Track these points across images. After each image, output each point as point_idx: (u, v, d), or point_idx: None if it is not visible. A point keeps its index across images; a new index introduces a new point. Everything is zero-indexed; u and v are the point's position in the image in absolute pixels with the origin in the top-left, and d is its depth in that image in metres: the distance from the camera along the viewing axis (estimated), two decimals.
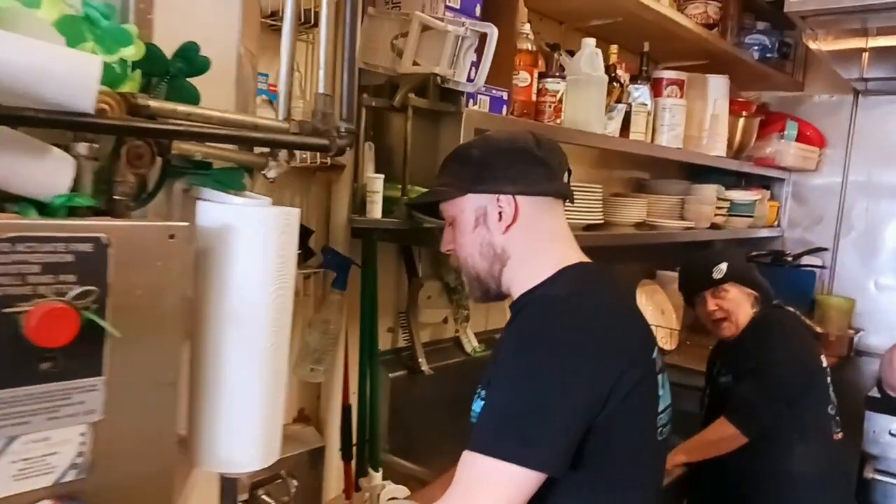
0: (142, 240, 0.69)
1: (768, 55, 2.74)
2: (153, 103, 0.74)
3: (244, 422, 0.83)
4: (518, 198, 1.13)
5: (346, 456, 1.72)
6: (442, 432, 1.73)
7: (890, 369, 2.01)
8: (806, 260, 3.14)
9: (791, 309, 2.10)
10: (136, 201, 0.78)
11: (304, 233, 1.57)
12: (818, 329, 2.19)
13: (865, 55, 2.68)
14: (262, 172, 0.91)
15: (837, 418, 1.93)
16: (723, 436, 1.87)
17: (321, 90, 0.90)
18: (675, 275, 2.89)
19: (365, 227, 1.49)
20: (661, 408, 1.10)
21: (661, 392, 1.10)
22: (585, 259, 1.18)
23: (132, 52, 0.73)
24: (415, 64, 1.52)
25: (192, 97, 0.82)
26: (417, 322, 1.90)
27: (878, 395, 2.55)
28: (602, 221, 2.17)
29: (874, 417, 2.49)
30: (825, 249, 3.17)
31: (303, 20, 1.35)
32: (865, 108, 3.08)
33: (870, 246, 3.09)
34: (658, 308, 2.73)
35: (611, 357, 1.01)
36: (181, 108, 0.77)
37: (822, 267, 3.13)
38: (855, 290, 3.10)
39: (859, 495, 2.57)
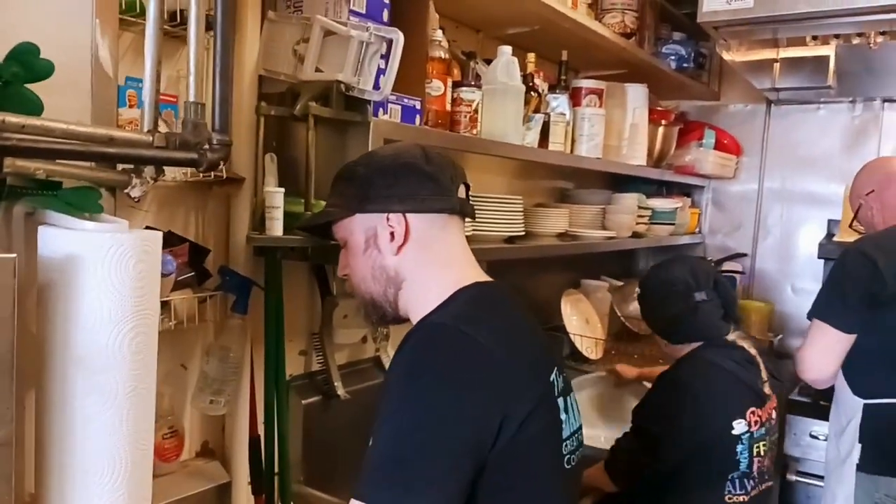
0: None
1: (685, 65, 2.77)
2: None
3: (99, 481, 0.71)
4: (409, 216, 1.08)
5: (256, 490, 1.60)
6: (360, 459, 1.63)
7: (799, 367, 1.99)
8: (727, 266, 3.19)
9: (745, 347, 1.80)
10: None
11: (200, 252, 1.45)
12: (765, 382, 1.79)
13: (777, 65, 2.73)
14: (126, 191, 0.80)
15: (745, 481, 1.70)
16: (601, 481, 1.78)
17: (191, 98, 0.79)
18: (600, 283, 2.91)
19: (265, 245, 1.38)
20: (566, 433, 1.04)
21: (563, 416, 1.04)
22: (484, 278, 1.13)
23: None
24: (317, 71, 1.43)
25: (32, 106, 0.71)
26: (333, 343, 1.79)
27: (798, 398, 2.59)
28: (524, 233, 2.12)
29: (795, 420, 2.52)
30: (744, 255, 3.23)
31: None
32: (778, 117, 3.15)
33: (786, 251, 3.15)
34: (583, 317, 2.70)
35: (498, 389, 0.94)
36: (12, 119, 0.66)
37: (742, 272, 3.18)
38: (773, 294, 3.16)
39: (783, 498, 2.60)
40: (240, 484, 1.60)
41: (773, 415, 1.81)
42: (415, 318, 1.09)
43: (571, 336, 2.54)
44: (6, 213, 0.72)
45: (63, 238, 0.68)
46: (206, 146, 0.80)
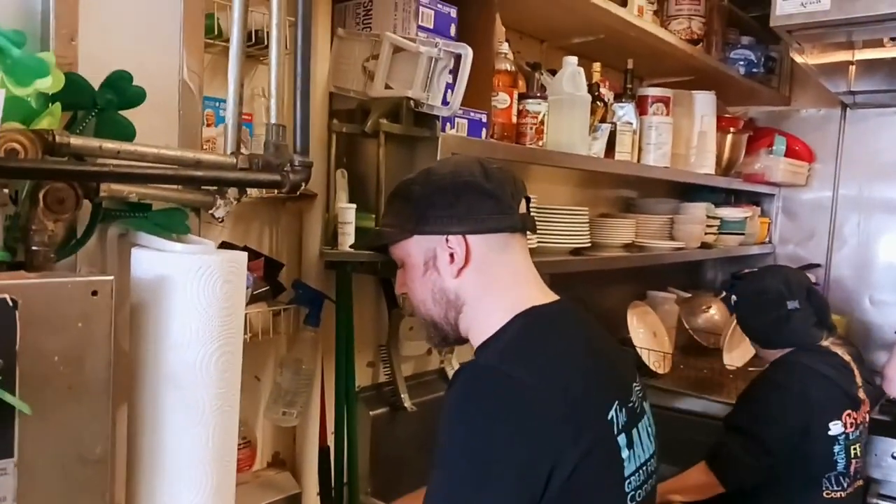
0: (58, 298, 0.61)
1: (754, 70, 2.69)
2: (75, 140, 0.66)
3: (187, 496, 0.73)
4: (469, 238, 1.04)
5: (325, 501, 1.62)
6: (427, 471, 1.63)
7: (886, 384, 2.00)
8: None
9: (839, 353, 1.88)
10: (59, 251, 0.69)
11: (274, 266, 1.48)
12: (860, 387, 1.86)
13: (852, 68, 2.63)
14: (210, 212, 0.82)
15: (841, 478, 1.77)
16: (701, 483, 1.78)
17: (273, 120, 0.81)
18: (667, 295, 2.84)
19: (337, 259, 1.40)
20: (629, 470, 0.98)
21: (625, 454, 0.98)
22: (545, 298, 1.08)
23: (48, 83, 0.64)
24: (387, 87, 1.44)
25: (125, 132, 0.74)
26: (399, 355, 1.80)
27: (878, 417, 2.48)
28: (589, 244, 2.09)
29: (876, 440, 2.40)
30: (818, 265, 3.10)
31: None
32: (853, 122, 3.03)
33: (863, 261, 3.02)
34: (650, 330, 2.64)
35: (545, 439, 0.89)
36: (109, 144, 0.69)
37: (816, 284, 3.06)
38: (850, 306, 3.03)
39: None
40: (309, 494, 1.62)
41: (867, 418, 1.90)
42: (475, 342, 1.06)
43: (638, 349, 2.49)
44: (101, 235, 0.75)
45: (154, 260, 0.71)
46: (288, 167, 0.81)
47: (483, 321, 1.04)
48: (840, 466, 1.75)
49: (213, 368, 0.72)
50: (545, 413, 0.89)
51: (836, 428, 1.75)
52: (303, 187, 0.83)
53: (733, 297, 2.03)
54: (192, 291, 0.70)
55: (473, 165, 1.08)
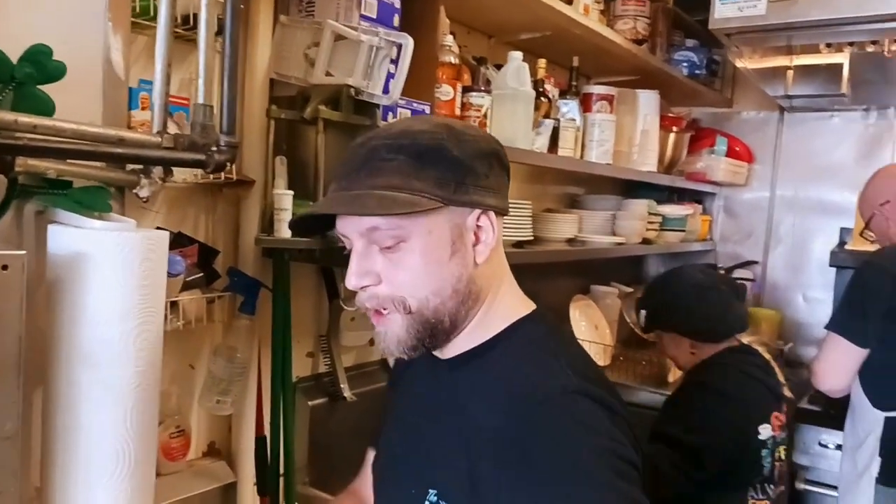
0: None
1: (697, 72, 2.76)
2: None
3: (104, 475, 0.73)
4: (495, 218, 0.89)
5: (261, 491, 1.61)
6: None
7: (814, 378, 2.00)
8: (737, 273, 3.17)
9: (761, 352, 1.85)
10: None
11: (209, 253, 1.46)
12: (783, 385, 1.82)
13: (790, 73, 2.72)
14: (134, 191, 0.81)
15: (766, 486, 1.70)
16: None
17: (200, 100, 0.81)
18: (609, 289, 2.90)
19: (273, 246, 1.39)
20: None
21: None
22: (531, 303, 0.97)
23: None
24: (328, 75, 1.44)
25: (44, 107, 0.72)
26: (340, 346, 1.80)
27: (807, 407, 2.57)
28: (532, 238, 2.12)
29: (804, 429, 2.49)
30: (755, 263, 3.21)
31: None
32: (791, 125, 3.13)
33: (797, 259, 3.13)
34: (592, 323, 2.69)
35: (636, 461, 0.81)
36: (25, 119, 0.67)
37: (753, 280, 3.16)
38: (784, 303, 3.14)
39: None
40: (245, 484, 1.61)
41: (788, 418, 1.82)
42: (466, 341, 0.91)
43: (579, 341, 2.53)
44: (17, 212, 0.74)
45: (71, 236, 0.70)
46: (214, 148, 0.81)
47: (490, 319, 0.90)
48: (765, 471, 1.69)
49: (131, 346, 0.72)
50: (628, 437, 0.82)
51: (765, 432, 1.68)
52: (230, 168, 0.82)
53: (643, 313, 1.93)
54: (110, 268, 0.70)
55: (484, 131, 0.94)
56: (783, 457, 1.75)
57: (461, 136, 0.87)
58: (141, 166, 0.81)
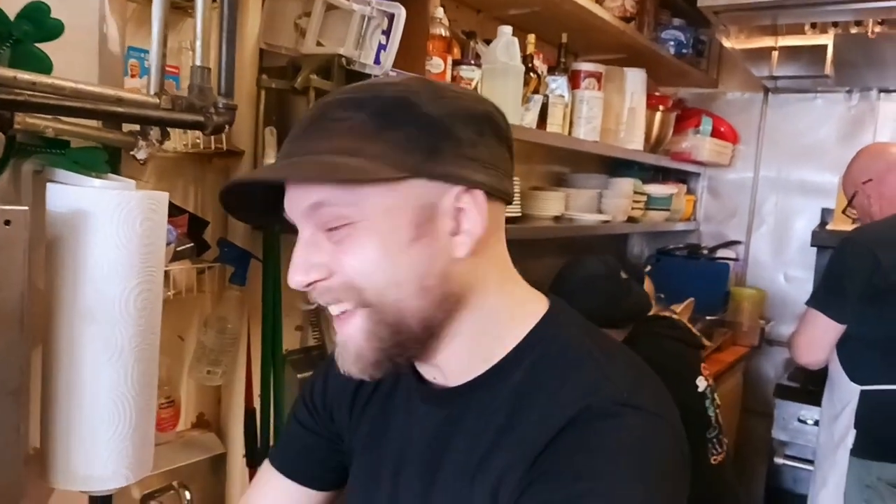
0: None
1: (683, 51, 2.78)
2: None
3: (105, 432, 0.73)
4: (488, 198, 0.67)
5: (250, 462, 1.62)
6: None
7: (793, 351, 2.07)
8: (721, 253, 3.22)
9: (668, 315, 1.88)
10: None
11: (199, 224, 1.46)
12: (699, 336, 1.86)
13: (775, 53, 2.75)
14: (132, 153, 0.81)
15: (718, 438, 1.73)
16: None
17: (198, 63, 0.80)
18: None
19: None
20: None
21: None
22: (540, 294, 0.77)
23: None
24: (319, 45, 1.43)
25: (42, 65, 0.72)
26: (328, 319, 1.81)
27: (787, 383, 2.63)
28: (520, 214, 2.14)
29: (783, 405, 2.55)
30: (739, 242, 3.25)
31: None
32: (775, 106, 3.16)
33: (780, 239, 3.18)
34: None
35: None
36: (24, 76, 0.67)
37: (736, 259, 3.21)
38: (766, 282, 3.19)
39: (770, 482, 2.64)
40: (235, 455, 1.62)
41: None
42: (456, 371, 0.72)
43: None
44: (15, 171, 0.73)
45: (72, 194, 0.70)
46: (212, 110, 0.81)
47: (500, 330, 0.71)
48: (712, 420, 1.71)
49: (132, 306, 0.72)
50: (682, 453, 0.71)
51: (701, 383, 1.71)
52: (223, 136, 0.82)
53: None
54: (112, 226, 0.70)
55: (481, 96, 0.73)
56: (719, 404, 1.80)
57: (440, 91, 0.67)
58: (138, 128, 0.81)
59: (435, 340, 0.68)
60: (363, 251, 0.64)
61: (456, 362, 0.71)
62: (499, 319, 0.70)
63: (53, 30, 0.71)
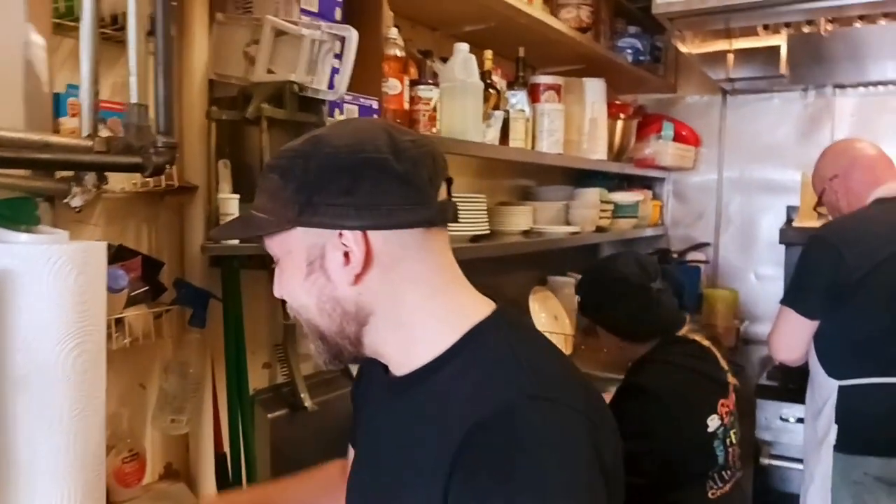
0: None
1: (641, 58, 2.78)
2: None
3: None
4: (370, 234, 0.80)
5: None
6: None
7: (771, 350, 2.07)
8: (691, 256, 3.22)
9: (698, 339, 1.70)
10: None
11: (153, 266, 1.39)
12: (726, 371, 1.66)
13: (730, 56, 2.76)
14: (65, 201, 0.75)
15: (723, 473, 1.60)
16: None
17: (133, 100, 0.75)
18: (566, 279, 2.90)
19: (220, 254, 1.33)
20: None
21: None
22: (486, 307, 0.88)
23: None
24: (269, 72, 1.39)
25: None
26: (297, 354, 1.74)
27: (766, 383, 2.62)
28: (488, 231, 2.10)
29: (765, 404, 2.54)
30: (707, 245, 3.26)
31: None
32: (733, 108, 3.19)
33: (747, 238, 3.19)
34: (551, 314, 2.69)
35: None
36: None
37: (706, 262, 3.21)
38: (737, 282, 3.20)
39: (757, 483, 2.61)
40: None
41: (734, 400, 1.69)
42: (408, 362, 0.85)
43: (545, 337, 2.52)
44: None
45: None
46: (152, 150, 0.75)
47: (418, 337, 0.83)
48: (720, 460, 1.59)
49: (70, 369, 0.66)
50: (599, 444, 0.79)
51: (713, 423, 1.57)
52: (170, 171, 0.77)
53: (578, 298, 1.82)
54: (41, 285, 0.63)
55: (379, 136, 0.82)
56: (734, 441, 1.64)
57: (319, 145, 0.81)
58: (72, 173, 0.75)
59: (361, 345, 0.84)
60: (281, 281, 0.86)
61: (395, 360, 0.86)
62: (424, 326, 0.83)
63: None
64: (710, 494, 1.57)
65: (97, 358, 0.69)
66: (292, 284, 0.84)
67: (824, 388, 1.94)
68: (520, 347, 0.83)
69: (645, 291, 1.64)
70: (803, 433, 2.13)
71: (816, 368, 1.98)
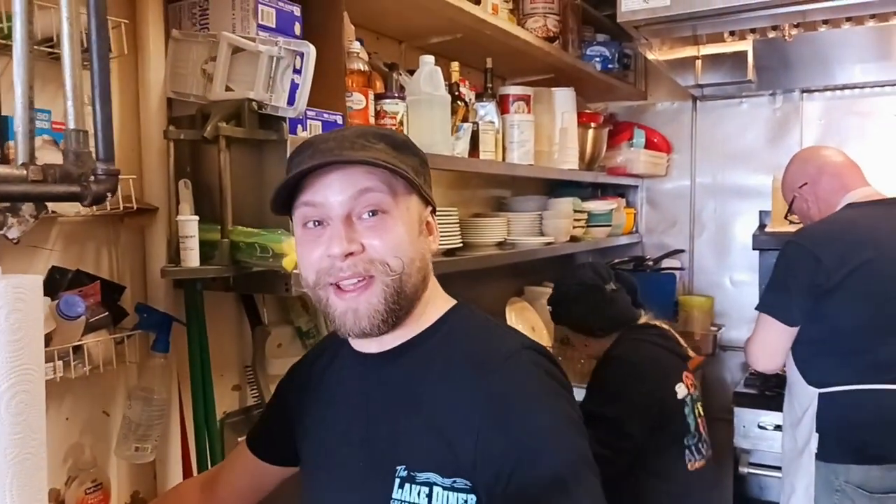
0: None
1: (609, 66, 2.78)
2: None
3: None
4: None
5: None
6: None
7: (749, 358, 2.06)
8: (666, 263, 3.21)
9: (658, 324, 1.96)
10: None
11: (113, 290, 1.35)
12: (685, 348, 1.95)
13: (698, 62, 2.78)
14: (2, 233, 0.71)
15: (699, 445, 1.80)
16: None
17: (71, 125, 0.72)
18: (543, 290, 2.88)
19: (181, 277, 1.30)
20: None
21: None
22: (453, 300, 1.06)
23: None
24: (228, 90, 1.36)
25: None
26: (267, 375, 1.70)
27: (744, 390, 2.61)
28: (461, 244, 2.08)
29: (742, 413, 2.53)
30: (682, 251, 3.25)
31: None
32: (703, 113, 3.20)
33: (722, 244, 3.20)
34: (528, 325, 2.67)
35: None
36: None
37: (682, 269, 3.21)
38: (712, 288, 3.20)
39: (736, 491, 2.61)
40: None
41: (695, 379, 1.93)
42: (413, 327, 0.97)
43: None
44: None
45: None
46: (91, 177, 0.72)
47: (429, 308, 0.99)
48: (692, 428, 1.78)
49: (4, 413, 0.62)
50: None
51: (681, 391, 1.78)
52: (109, 197, 0.74)
53: (548, 308, 2.08)
54: None
55: None
56: (702, 414, 1.87)
57: (408, 139, 1.00)
58: (7, 204, 0.72)
59: (414, 307, 0.95)
60: (394, 234, 0.91)
61: (399, 330, 0.96)
62: (426, 302, 0.98)
63: None
64: (689, 466, 1.77)
65: (35, 399, 0.66)
66: (406, 240, 0.92)
67: (804, 397, 1.93)
68: (492, 321, 1.03)
69: (599, 291, 1.91)
70: (782, 442, 2.11)
71: (795, 377, 1.97)
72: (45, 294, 1.19)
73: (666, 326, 1.96)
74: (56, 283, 1.28)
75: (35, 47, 1.13)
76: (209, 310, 1.51)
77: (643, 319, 1.95)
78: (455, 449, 0.88)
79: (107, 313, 1.31)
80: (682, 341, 1.94)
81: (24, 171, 0.69)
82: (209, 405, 1.47)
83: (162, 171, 1.39)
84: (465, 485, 0.87)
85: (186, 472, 1.50)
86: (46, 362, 1.12)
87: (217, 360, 1.55)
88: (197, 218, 1.29)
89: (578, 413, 0.93)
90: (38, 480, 0.67)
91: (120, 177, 1.07)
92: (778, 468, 2.20)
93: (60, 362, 1.18)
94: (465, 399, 0.89)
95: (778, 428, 2.33)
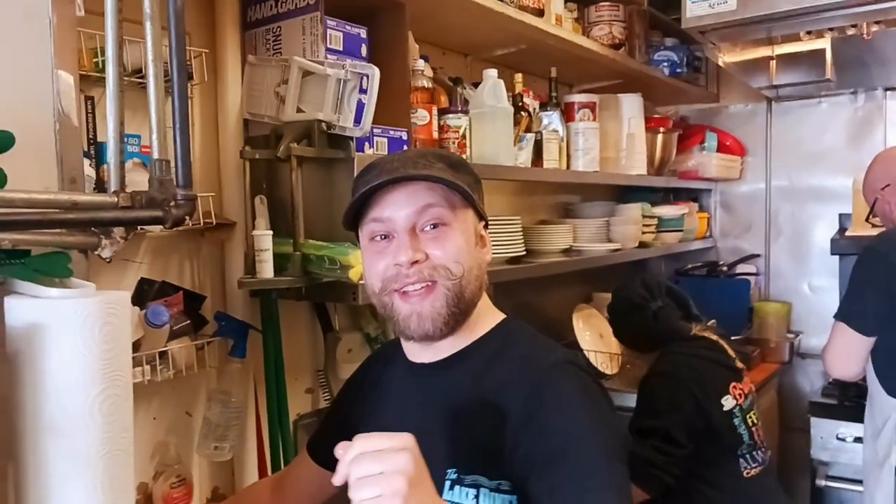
0: None
1: (678, 70, 2.74)
2: None
3: None
4: None
5: None
6: None
7: (826, 366, 2.01)
8: (741, 268, 3.14)
9: (707, 335, 1.91)
10: None
11: (195, 300, 1.46)
12: (734, 358, 1.90)
13: (773, 63, 2.71)
14: (97, 253, 0.80)
15: (754, 453, 1.78)
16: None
17: (156, 155, 0.80)
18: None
19: (256, 287, 1.39)
20: None
21: None
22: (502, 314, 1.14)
23: None
24: (299, 111, 1.44)
25: None
26: (338, 379, 1.78)
27: (821, 400, 2.53)
28: (524, 252, 2.11)
29: (820, 423, 2.46)
30: (758, 256, 3.17)
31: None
32: (779, 115, 3.11)
33: (799, 249, 3.10)
34: (596, 332, 2.66)
35: None
36: None
37: (757, 274, 3.13)
38: (790, 294, 3.10)
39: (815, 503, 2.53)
40: None
41: (752, 387, 1.92)
42: (465, 336, 1.04)
43: (586, 352, 2.51)
44: None
45: (27, 307, 0.69)
46: (172, 203, 0.80)
47: (481, 320, 1.06)
48: (745, 437, 1.77)
49: (97, 414, 0.71)
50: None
51: (728, 403, 1.77)
52: (188, 220, 0.82)
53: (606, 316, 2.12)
54: (69, 337, 0.69)
55: None
56: (756, 421, 1.85)
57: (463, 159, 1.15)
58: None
59: (470, 314, 1.02)
60: (454, 243, 0.99)
61: (450, 341, 1.03)
62: (479, 313, 1.05)
63: (3, 143, 0.71)
64: (745, 474, 1.77)
65: (123, 402, 0.74)
66: (465, 249, 1.00)
67: (884, 407, 1.87)
68: (540, 335, 1.08)
69: (642, 311, 1.92)
70: (863, 453, 2.04)
71: (875, 387, 1.91)
72: (135, 304, 1.30)
73: (715, 337, 1.93)
74: (144, 293, 1.39)
75: (125, 78, 1.24)
76: (284, 317, 1.60)
77: (695, 330, 1.92)
78: (499, 452, 0.94)
79: (189, 321, 1.42)
80: (730, 352, 1.91)
81: (116, 199, 0.78)
82: (283, 407, 1.56)
83: (239, 188, 1.48)
84: (509, 486, 0.93)
85: (261, 471, 1.59)
86: (135, 367, 1.23)
87: (291, 365, 1.64)
88: (271, 232, 1.37)
89: (617, 423, 0.99)
90: (126, 474, 0.75)
91: (200, 194, 1.17)
92: (859, 482, 2.13)
93: (148, 367, 1.29)
94: (509, 405, 0.95)
95: (858, 440, 2.25)
